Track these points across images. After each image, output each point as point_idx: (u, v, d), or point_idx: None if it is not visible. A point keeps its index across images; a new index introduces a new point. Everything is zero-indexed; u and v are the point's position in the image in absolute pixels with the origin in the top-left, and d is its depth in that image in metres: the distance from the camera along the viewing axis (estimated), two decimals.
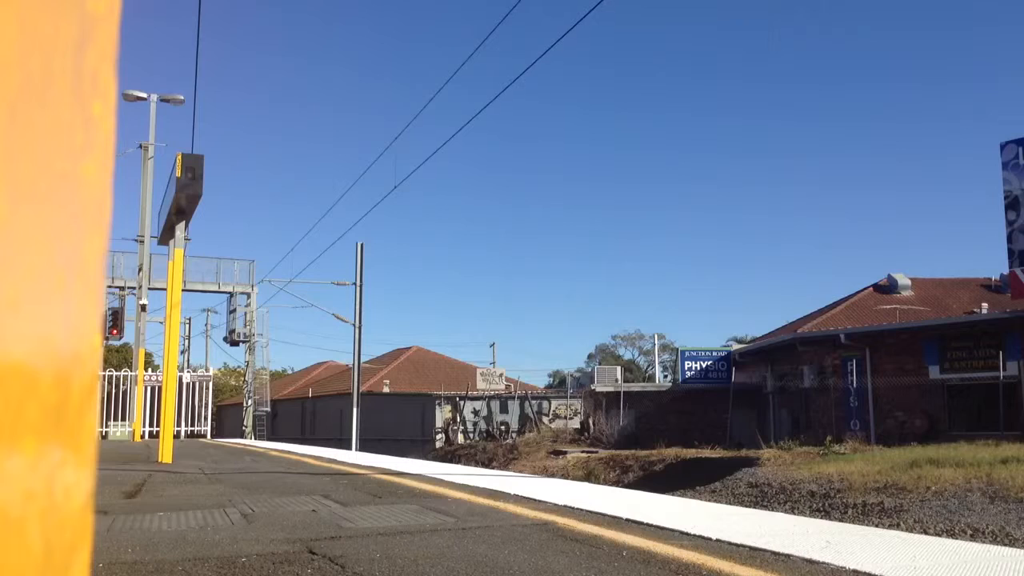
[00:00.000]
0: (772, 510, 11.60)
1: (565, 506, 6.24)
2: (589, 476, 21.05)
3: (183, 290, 15.69)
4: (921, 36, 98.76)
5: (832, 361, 27.50)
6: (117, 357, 46.10)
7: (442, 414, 35.40)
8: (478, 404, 35.62)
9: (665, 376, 53.33)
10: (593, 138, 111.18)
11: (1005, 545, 8.42)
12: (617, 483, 19.30)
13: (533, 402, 35.75)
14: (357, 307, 31.91)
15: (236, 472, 10.64)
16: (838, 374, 27.23)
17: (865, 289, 32.87)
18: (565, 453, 25.84)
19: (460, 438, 34.31)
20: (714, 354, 34.08)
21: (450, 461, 25.90)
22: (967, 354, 24.92)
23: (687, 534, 4.74)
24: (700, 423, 30.94)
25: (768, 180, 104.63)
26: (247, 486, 8.36)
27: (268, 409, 39.27)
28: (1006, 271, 24.51)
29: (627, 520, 5.38)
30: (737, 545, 4.31)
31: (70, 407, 0.60)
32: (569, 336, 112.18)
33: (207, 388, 34.63)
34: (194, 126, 37.73)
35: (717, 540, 4.49)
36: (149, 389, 30.16)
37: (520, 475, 12.84)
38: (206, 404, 34.24)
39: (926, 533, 9.24)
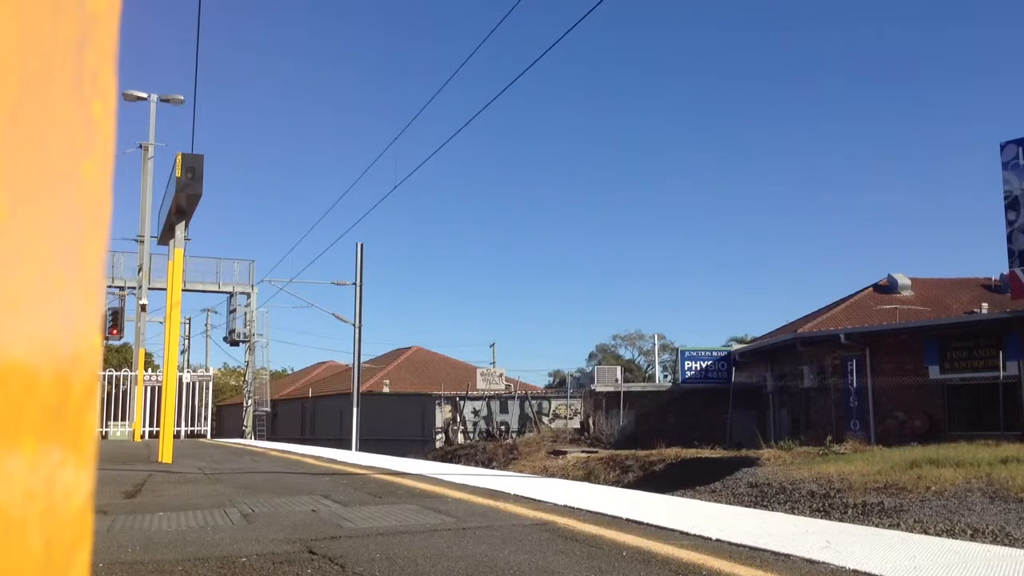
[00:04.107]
0: (772, 510, 11.60)
1: (565, 506, 6.24)
2: (589, 476, 21.04)
3: (183, 290, 15.69)
4: (921, 36, 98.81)
5: (832, 361, 27.49)
6: (117, 357, 46.08)
7: (442, 414, 35.39)
8: (478, 404, 35.61)
9: (665, 376, 53.34)
10: (593, 138, 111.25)
11: (1005, 545, 8.42)
12: (617, 483, 19.29)
13: (533, 402, 35.73)
14: (357, 307, 31.91)
15: (236, 472, 10.64)
16: (838, 374, 27.23)
17: (865, 289, 32.86)
18: (565, 453, 25.83)
19: (460, 438, 34.30)
20: (714, 354, 34.07)
21: (450, 461, 25.90)
22: (967, 354, 24.91)
23: (687, 534, 4.74)
24: (700, 423, 30.93)
25: (768, 180, 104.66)
26: (247, 486, 8.36)
27: (268, 409, 39.27)
28: (1006, 271, 24.51)
29: (627, 520, 5.38)
30: (737, 545, 4.31)
31: (70, 407, 0.60)
32: (569, 336, 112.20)
33: (207, 388, 34.63)
34: (194, 126, 37.75)
35: (717, 540, 4.49)
36: (149, 389, 30.17)
37: (520, 475, 12.84)
38: (206, 404, 34.25)
39: (926, 533, 9.24)
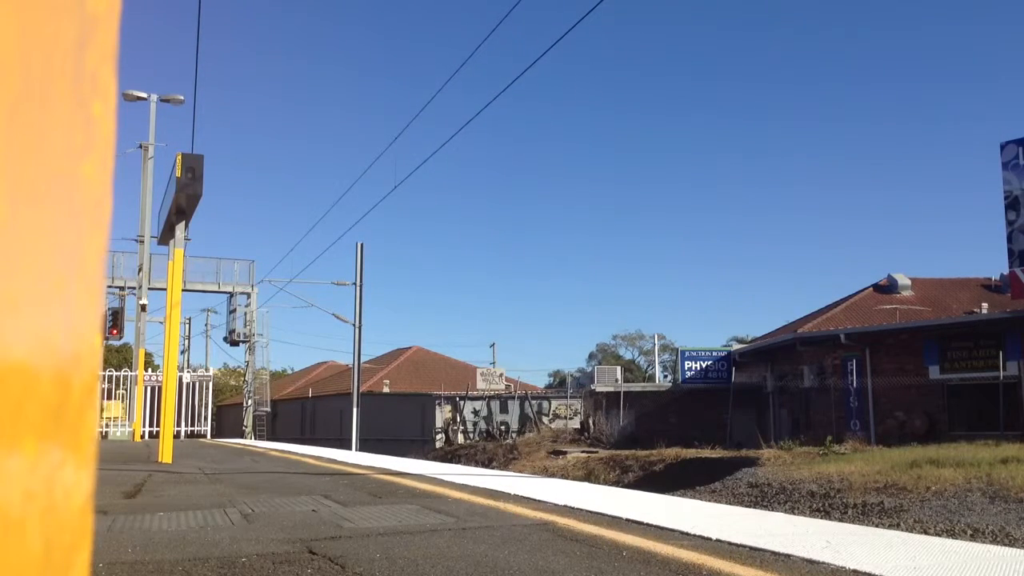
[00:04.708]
0: (772, 510, 11.60)
1: (565, 506, 6.24)
2: (589, 476, 21.05)
3: (183, 290, 15.70)
4: (920, 35, 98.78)
5: (832, 361, 27.49)
6: (117, 357, 46.09)
7: (442, 414, 35.39)
8: (478, 404, 35.61)
9: (665, 376, 53.32)
10: (593, 138, 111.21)
11: (1005, 545, 8.42)
12: (617, 483, 19.29)
13: (533, 402, 35.73)
14: (357, 307, 31.91)
15: (236, 472, 10.64)
16: (838, 374, 27.23)
17: (865, 289, 32.86)
18: (565, 453, 25.83)
19: (460, 438, 34.30)
20: (714, 354, 34.07)
21: (450, 461, 25.90)
22: (967, 354, 24.91)
23: (687, 534, 4.74)
24: (700, 423, 30.92)
25: (768, 180, 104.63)
26: (247, 486, 8.36)
27: (268, 409, 39.26)
28: (1006, 271, 24.51)
29: (627, 520, 5.38)
30: (737, 545, 4.31)
31: (70, 407, 0.60)
32: (569, 336, 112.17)
33: (207, 388, 34.65)
34: (194, 126, 37.77)
35: (717, 540, 4.49)
36: (149, 389, 30.18)
37: (520, 475, 12.84)
38: (206, 404, 34.27)
39: (926, 533, 9.24)
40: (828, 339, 27.32)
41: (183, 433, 31.56)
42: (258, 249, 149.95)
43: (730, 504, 11.17)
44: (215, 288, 35.86)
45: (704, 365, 33.44)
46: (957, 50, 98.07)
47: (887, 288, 32.02)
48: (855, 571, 3.63)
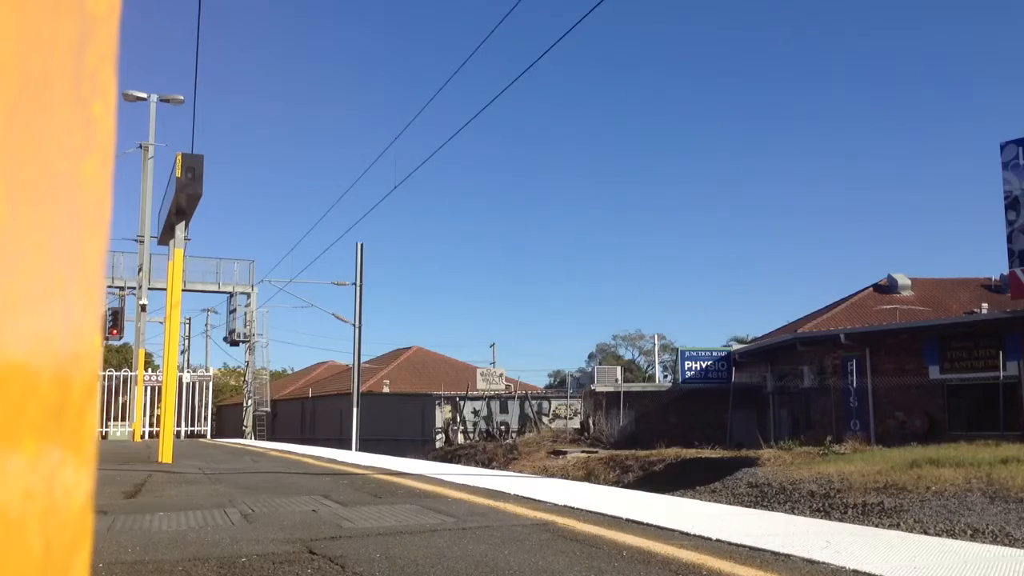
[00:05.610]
0: (772, 510, 11.60)
1: (565, 506, 6.24)
2: (589, 476, 21.04)
3: (183, 290, 15.70)
4: (921, 36, 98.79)
5: (832, 361, 27.48)
6: (117, 357, 46.09)
7: (442, 414, 35.39)
8: (478, 404, 35.61)
9: (665, 376, 53.29)
10: (593, 138, 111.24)
11: (1005, 545, 8.42)
12: (617, 483, 19.29)
13: (533, 402, 35.73)
14: (357, 307, 31.90)
15: (236, 472, 10.64)
16: (838, 374, 27.22)
17: (865, 289, 32.87)
18: (565, 453, 25.83)
19: (460, 438, 34.30)
20: (714, 354, 34.06)
21: (450, 461, 25.89)
22: (967, 354, 24.90)
23: (687, 534, 4.74)
24: (700, 423, 30.92)
25: (768, 180, 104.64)
26: (247, 486, 8.36)
27: (268, 409, 39.27)
28: (1006, 271, 24.50)
29: (627, 520, 5.38)
30: (737, 545, 4.31)
31: (70, 407, 0.60)
32: (569, 336, 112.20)
33: (207, 388, 34.66)
34: (194, 126, 37.79)
35: (717, 540, 4.49)
36: (149, 389, 30.18)
37: (520, 475, 12.84)
38: (206, 404, 34.28)
39: (926, 533, 9.24)
40: (828, 339, 27.31)
41: (183, 433, 31.58)
42: (258, 249, 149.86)
43: (730, 504, 11.17)
44: (215, 288, 35.87)
45: (704, 365, 33.43)
46: (957, 50, 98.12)
47: (887, 288, 32.03)
48: (855, 571, 3.63)
